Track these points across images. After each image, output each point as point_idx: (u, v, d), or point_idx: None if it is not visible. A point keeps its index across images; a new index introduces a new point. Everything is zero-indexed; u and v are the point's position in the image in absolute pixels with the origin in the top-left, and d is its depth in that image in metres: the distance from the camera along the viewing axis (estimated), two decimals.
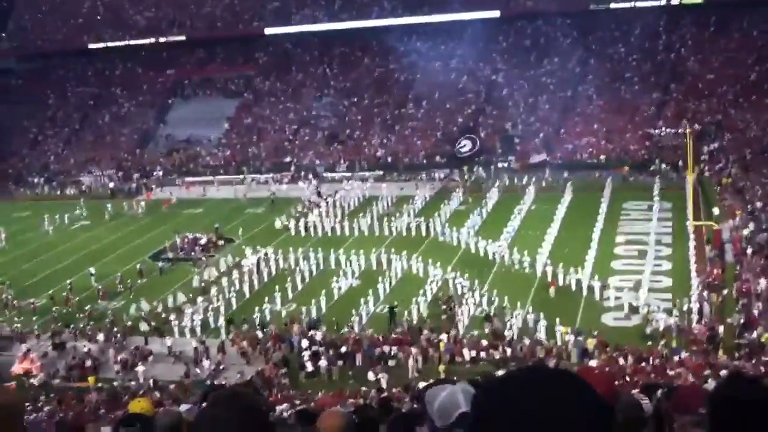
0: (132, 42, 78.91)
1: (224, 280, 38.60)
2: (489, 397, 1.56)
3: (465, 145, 59.56)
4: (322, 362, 30.41)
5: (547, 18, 70.96)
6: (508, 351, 29.53)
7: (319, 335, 32.08)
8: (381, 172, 59.68)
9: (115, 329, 34.39)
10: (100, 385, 29.91)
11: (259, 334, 32.78)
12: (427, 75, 70.35)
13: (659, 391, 6.01)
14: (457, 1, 71.72)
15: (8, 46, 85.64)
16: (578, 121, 62.03)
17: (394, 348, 30.86)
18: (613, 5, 67.26)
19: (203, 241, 45.48)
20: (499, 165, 57.72)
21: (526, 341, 29.90)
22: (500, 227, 42.76)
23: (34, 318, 37.04)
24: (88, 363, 31.94)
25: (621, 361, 27.55)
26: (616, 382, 21.26)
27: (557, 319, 30.44)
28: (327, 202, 50.98)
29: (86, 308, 36.99)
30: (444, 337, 30.75)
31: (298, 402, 21.74)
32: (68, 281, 40.25)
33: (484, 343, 30.35)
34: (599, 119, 61.16)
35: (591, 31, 68.85)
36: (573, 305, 33.25)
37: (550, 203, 46.94)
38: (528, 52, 69.86)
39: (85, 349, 32.76)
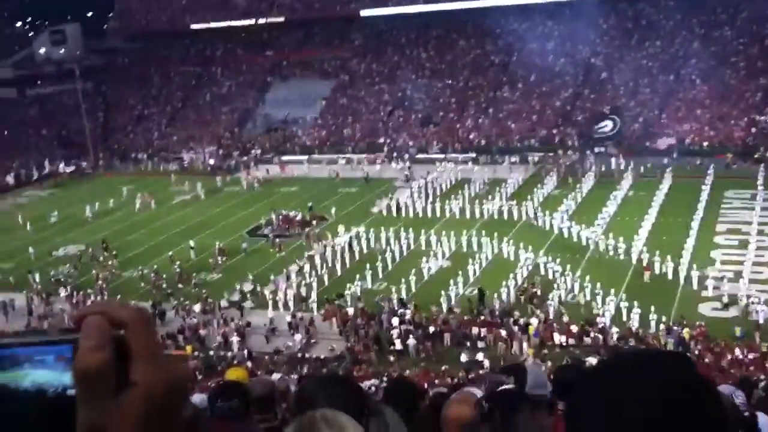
0: (233, 23, 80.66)
1: (317, 257, 39.33)
2: (602, 374, 1.45)
3: (605, 125, 58.06)
4: (411, 341, 30.75)
5: (650, 0, 68.92)
6: (600, 338, 29.17)
7: (408, 314, 32.41)
8: (474, 155, 59.39)
9: (210, 300, 35.54)
10: (197, 353, 31.03)
11: (350, 311, 33.34)
12: (523, 57, 69.44)
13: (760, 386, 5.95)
14: None
15: (115, 26, 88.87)
16: (680, 106, 60.10)
17: (483, 330, 30.91)
18: None
19: (298, 218, 46.45)
20: (596, 149, 56.56)
21: (616, 329, 29.42)
22: (595, 212, 42.06)
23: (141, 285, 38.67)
24: (188, 332, 33.20)
25: (718, 353, 26.83)
26: (713, 374, 20.78)
27: (652, 308, 29.83)
28: (418, 183, 51.14)
29: (193, 279, 38.34)
30: (534, 321, 30.59)
31: (385, 378, 22.11)
32: (170, 253, 41.81)
33: (575, 329, 30.03)
34: (703, 104, 59.12)
35: (696, 14, 66.43)
36: (669, 294, 32.50)
37: (648, 189, 45.83)
38: (629, 35, 68.04)
39: (187, 319, 34.04)
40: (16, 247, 46.13)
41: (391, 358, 30.20)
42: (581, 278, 33.77)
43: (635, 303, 30.49)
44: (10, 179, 64.27)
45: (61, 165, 66.78)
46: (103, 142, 73.40)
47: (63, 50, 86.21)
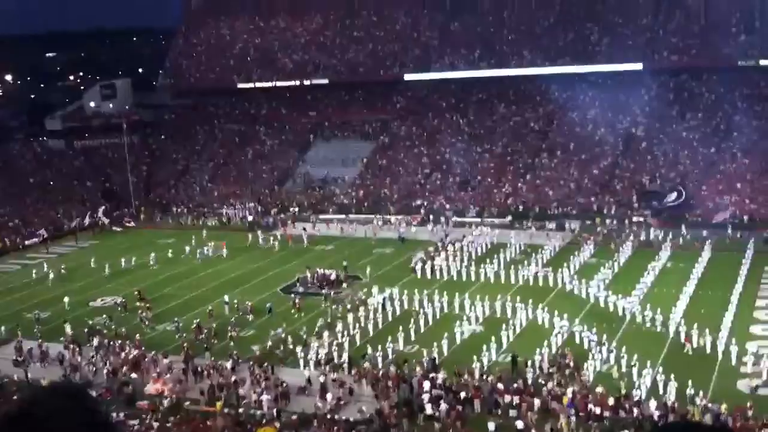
0: (278, 83, 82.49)
1: (350, 317, 39.27)
2: None
3: (671, 196, 57.68)
4: (442, 406, 30.34)
5: (692, 73, 69.16)
6: (635, 411, 28.51)
7: (440, 378, 32.07)
8: (510, 219, 59.32)
9: (237, 357, 35.47)
10: (226, 410, 30.94)
11: (381, 373, 33.07)
12: (563, 124, 69.87)
13: None
14: (599, 53, 71.15)
15: (164, 83, 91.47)
16: (721, 179, 59.65)
17: (516, 398, 30.42)
18: (763, 62, 64.68)
19: (332, 277, 46.60)
20: (634, 219, 56.17)
21: (654, 402, 28.76)
22: (632, 283, 41.55)
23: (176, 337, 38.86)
24: (217, 388, 33.15)
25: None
26: None
27: (689, 382, 29.17)
28: (455, 247, 51.12)
29: (229, 333, 38.45)
30: (569, 391, 30.05)
31: None
32: (209, 307, 42.06)
33: (611, 401, 29.40)
34: (743, 178, 58.62)
35: (738, 87, 66.44)
36: (707, 368, 31.78)
37: (686, 261, 45.24)
38: (670, 106, 68.14)
39: (214, 375, 34.03)
40: (55, 296, 46.83)
41: (421, 423, 29.78)
42: (617, 349, 33.21)
43: (672, 376, 29.85)
44: (51, 229, 65.50)
45: (104, 216, 68.00)
46: (146, 195, 74.76)
47: (112, 104, 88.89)
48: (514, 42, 76.16)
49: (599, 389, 30.29)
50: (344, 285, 46.07)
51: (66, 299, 44.97)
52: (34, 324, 41.21)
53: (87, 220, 66.75)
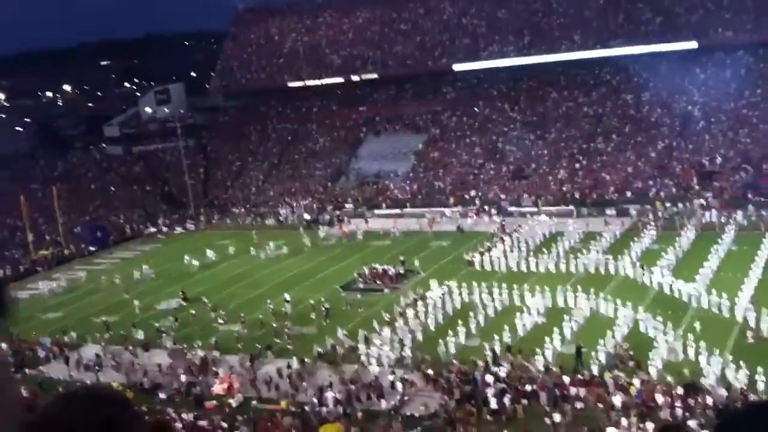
0: (328, 80, 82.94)
1: (410, 313, 39.35)
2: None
3: (739, 175, 56.44)
4: (506, 399, 30.23)
5: (748, 48, 67.33)
6: (708, 399, 27.97)
7: (503, 372, 31.95)
8: (568, 207, 58.61)
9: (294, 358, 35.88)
10: (293, 408, 31.33)
11: (444, 367, 33.11)
12: (617, 108, 68.73)
13: None
14: (652, 33, 69.76)
15: (216, 85, 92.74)
16: None
17: (582, 390, 30.14)
18: None
19: (390, 272, 46.73)
20: (695, 201, 54.99)
21: (723, 391, 28.19)
22: (696, 267, 40.72)
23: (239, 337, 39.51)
24: (282, 386, 33.61)
25: None
26: None
27: (759, 368, 28.53)
28: (512, 237, 50.80)
29: (286, 331, 38.94)
30: (636, 381, 29.64)
31: None
32: (269, 304, 42.60)
33: (680, 390, 28.90)
34: None
35: None
36: None
37: (751, 244, 44.16)
38: (727, 84, 66.42)
39: (280, 373, 34.48)
40: (122, 300, 47.99)
41: (488, 417, 29.73)
42: (683, 337, 32.64)
43: (741, 363, 29.22)
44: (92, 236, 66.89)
45: (164, 219, 69.38)
46: (204, 197, 75.94)
47: (167, 109, 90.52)
48: (563, 26, 75.12)
49: (668, 378, 29.86)
50: (404, 280, 46.16)
51: (136, 303, 46.04)
52: (104, 328, 42.29)
53: (150, 223, 68.15)
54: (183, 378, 35.29)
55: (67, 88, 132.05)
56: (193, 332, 40.82)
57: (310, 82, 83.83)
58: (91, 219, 68.99)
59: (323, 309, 41.68)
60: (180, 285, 49.58)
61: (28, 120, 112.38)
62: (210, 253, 55.82)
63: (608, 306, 37.08)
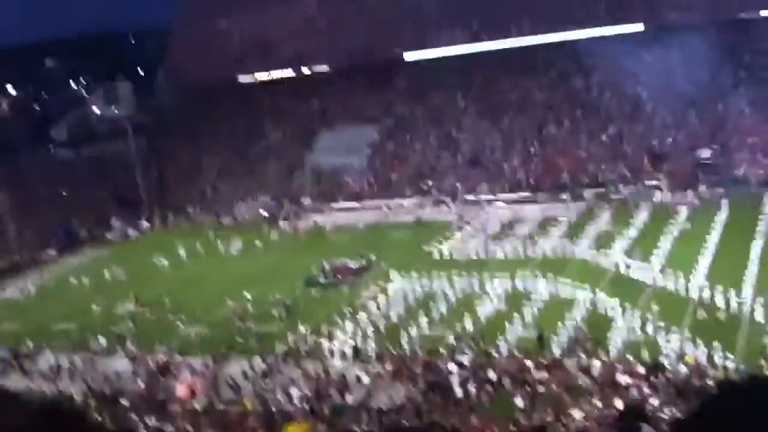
0: (278, 74, 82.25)
1: (371, 305, 39.33)
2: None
3: (704, 153, 57.32)
4: (471, 387, 30.40)
5: (693, 29, 68.35)
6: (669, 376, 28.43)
7: (466, 360, 32.12)
8: (523, 194, 59.10)
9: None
10: (258, 408, 31.10)
11: (407, 358, 33.17)
12: (568, 93, 69.37)
13: None
14: (598, 17, 70.45)
15: (165, 83, 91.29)
16: (732, 135, 59.19)
17: (544, 373, 30.44)
18: (764, 13, 63.87)
19: (350, 266, 46.63)
20: (647, 183, 55.87)
21: (683, 367, 28.72)
22: (651, 248, 41.39)
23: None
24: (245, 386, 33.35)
25: None
26: None
27: (716, 344, 29.10)
28: (470, 225, 51.07)
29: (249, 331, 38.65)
30: (596, 363, 30.03)
31: (448, 427, 21.88)
32: (230, 303, 42.18)
33: (641, 369, 29.34)
34: (755, 132, 58.15)
35: (741, 41, 65.68)
36: (732, 329, 31.67)
37: (703, 222, 45.00)
38: (675, 66, 67.39)
39: (244, 373, 34.21)
40: (78, 307, 47.10)
41: (452, 407, 29.86)
42: (642, 316, 33.17)
43: (699, 341, 29.79)
44: (64, 240, 65.86)
45: (118, 222, 68.26)
46: (158, 197, 74.82)
47: (116, 108, 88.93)
48: (512, 12, 75.38)
49: (628, 357, 30.31)
50: (364, 273, 46.12)
51: (94, 307, 45.28)
52: (62, 336, 41.50)
53: (104, 227, 67.06)
54: (144, 383, 34.82)
55: (11, 90, 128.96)
56: (153, 335, 40.25)
57: (261, 77, 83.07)
58: (62, 223, 67.91)
59: (284, 306, 41.44)
60: (137, 288, 48.84)
61: None
62: (164, 257, 54.99)
63: (567, 289, 37.51)
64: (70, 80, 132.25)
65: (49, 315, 46.77)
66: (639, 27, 68.50)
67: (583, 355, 31.02)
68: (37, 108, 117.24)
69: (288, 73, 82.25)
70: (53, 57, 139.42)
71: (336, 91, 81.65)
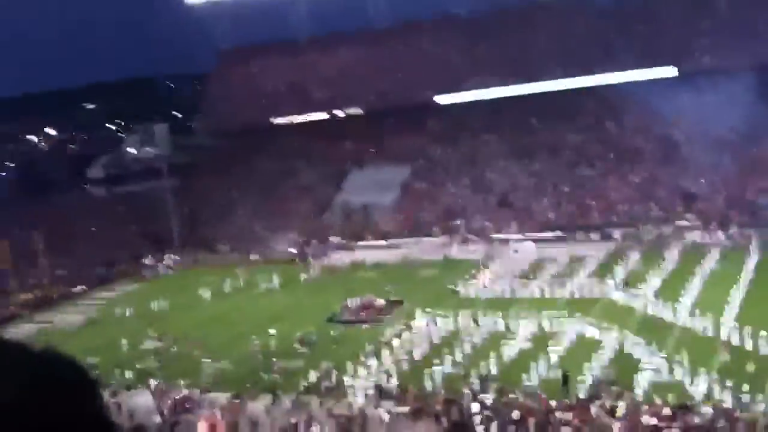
0: (312, 117, 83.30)
1: (396, 343, 39.06)
2: None
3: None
4: (494, 428, 29.89)
5: (726, 73, 67.99)
6: (695, 419, 27.73)
7: (489, 399, 31.65)
8: (552, 233, 58.72)
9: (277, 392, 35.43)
10: None
11: (430, 397, 32.79)
12: (600, 136, 69.18)
13: None
14: (631, 61, 70.44)
15: (201, 124, 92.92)
16: (766, 177, 58.41)
17: (568, 414, 29.83)
18: None
19: (376, 303, 46.49)
20: (679, 224, 55.19)
21: (710, 409, 27.97)
22: (680, 288, 40.71)
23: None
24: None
25: None
26: None
27: (746, 386, 28.36)
28: (497, 265, 50.74)
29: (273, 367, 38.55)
30: (621, 404, 29.39)
31: None
32: (256, 341, 42.15)
33: (668, 411, 28.66)
34: None
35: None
36: (762, 371, 30.84)
37: (734, 263, 44.21)
38: (707, 109, 66.86)
39: (267, 409, 34.02)
40: (106, 341, 47.44)
41: None
42: (669, 357, 32.49)
43: (727, 383, 29.06)
44: (100, 275, 66.74)
45: (150, 259, 69.04)
46: (190, 236, 75.58)
47: (151, 149, 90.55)
48: (543, 57, 75.78)
49: (654, 399, 29.63)
50: (389, 310, 45.93)
51: (123, 341, 45.55)
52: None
53: (135, 264, 67.83)
54: (166, 418, 34.76)
55: (50, 131, 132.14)
56: (177, 371, 40.29)
57: (295, 119, 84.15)
58: (96, 258, 69.14)
59: (309, 343, 41.37)
60: (165, 323, 49.09)
61: (10, 164, 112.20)
62: (202, 291, 55.42)
63: (594, 329, 36.95)
64: (108, 122, 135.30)
65: (77, 349, 47.06)
66: (672, 71, 68.25)
67: (608, 397, 30.40)
68: (75, 148, 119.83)
69: (321, 115, 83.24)
70: (92, 100, 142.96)
71: (368, 133, 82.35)
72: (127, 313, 53.25)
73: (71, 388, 1.56)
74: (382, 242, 63.92)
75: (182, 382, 38.05)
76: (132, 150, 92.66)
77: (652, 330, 36.31)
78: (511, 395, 31.92)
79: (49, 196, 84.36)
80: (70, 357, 1.61)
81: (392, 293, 48.05)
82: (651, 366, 32.02)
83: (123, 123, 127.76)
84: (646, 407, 29.11)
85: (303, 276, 57.53)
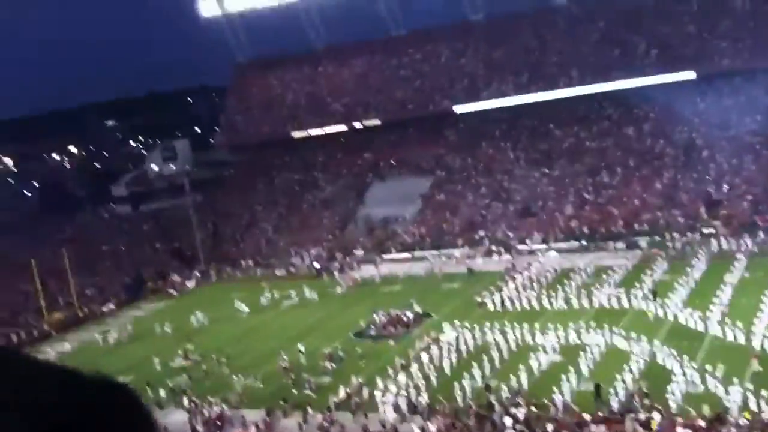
0: (331, 129, 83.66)
1: (424, 357, 39.15)
2: None
3: None
4: None
5: (745, 75, 67.73)
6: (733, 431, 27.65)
7: (521, 413, 31.67)
8: (577, 243, 58.58)
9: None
10: None
11: (461, 411, 32.84)
12: (620, 141, 69.04)
13: None
14: (649, 65, 70.29)
15: (221, 140, 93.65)
16: None
17: (602, 427, 29.82)
18: None
19: (402, 317, 46.61)
20: (704, 230, 54.90)
21: (746, 420, 27.88)
22: (709, 296, 40.53)
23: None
24: None
25: None
26: None
27: None
28: (522, 276, 50.71)
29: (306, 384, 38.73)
30: (656, 416, 29.34)
31: None
32: (284, 357, 42.31)
33: (702, 423, 28.59)
34: None
35: None
36: None
37: (763, 270, 43.96)
38: (728, 112, 66.70)
39: (300, 426, 34.24)
40: (136, 359, 47.90)
41: None
42: (701, 368, 32.37)
43: (761, 392, 28.93)
44: (127, 293, 67.35)
45: (175, 276, 69.57)
46: (214, 251, 76.03)
47: (173, 165, 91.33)
48: (560, 63, 75.84)
49: (688, 410, 29.55)
50: (415, 324, 46.03)
51: (154, 359, 45.89)
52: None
53: (161, 281, 68.38)
54: None
55: (73, 149, 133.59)
56: (208, 388, 40.62)
57: (314, 131, 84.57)
58: (124, 276, 69.94)
59: (337, 358, 41.56)
60: (195, 340, 49.43)
61: (35, 183, 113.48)
62: (238, 305, 55.77)
63: (623, 340, 36.86)
64: (130, 139, 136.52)
65: (108, 367, 47.52)
66: (691, 74, 68.02)
67: (641, 408, 30.34)
68: (98, 166, 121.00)
69: (340, 127, 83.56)
70: (113, 117, 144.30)
71: (387, 144, 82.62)
72: (157, 331, 53.67)
73: (126, 413, 1.53)
74: (406, 255, 64.01)
75: (214, 400, 38.36)
76: (155, 166, 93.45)
77: (683, 340, 36.18)
78: (542, 409, 31.94)
79: (74, 215, 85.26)
80: (122, 382, 1.57)
81: (418, 306, 48.13)
82: (683, 377, 31.89)
83: (145, 139, 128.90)
84: (680, 419, 29.07)
85: (328, 290, 57.72)
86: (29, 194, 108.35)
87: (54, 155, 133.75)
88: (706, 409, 29.23)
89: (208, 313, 55.15)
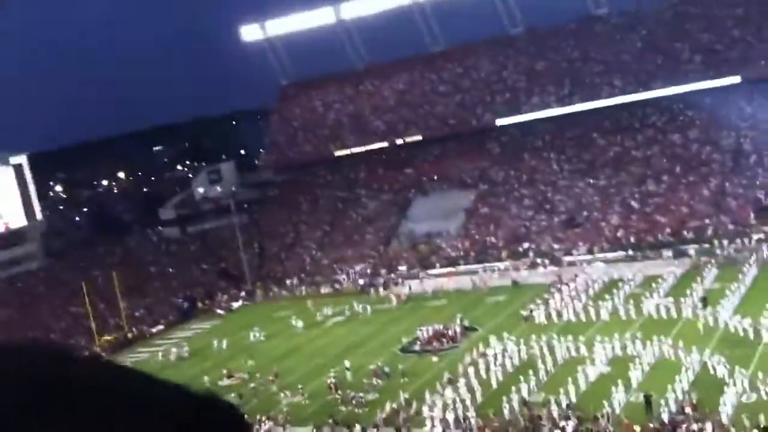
0: (373, 146, 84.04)
1: (471, 371, 38.89)
2: None
3: None
4: None
5: None
6: None
7: (570, 426, 31.23)
8: (624, 253, 57.75)
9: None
10: None
11: (509, 425, 32.51)
12: (665, 149, 68.06)
13: None
14: (693, 71, 69.31)
15: (265, 161, 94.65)
16: None
17: None
18: None
19: (448, 332, 46.40)
20: (754, 237, 53.73)
21: None
22: (761, 304, 39.57)
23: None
24: None
25: None
26: None
27: None
28: (569, 287, 50.14)
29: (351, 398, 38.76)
30: (708, 426, 28.69)
31: None
32: (332, 374, 42.38)
33: None
34: None
35: None
36: None
37: None
38: None
39: None
40: (185, 379, 48.38)
41: None
42: (753, 376, 31.59)
43: None
44: (177, 313, 68.31)
45: (223, 296, 70.35)
46: (260, 270, 76.69)
47: (219, 188, 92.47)
48: (602, 72, 75.18)
49: (743, 421, 28.83)
50: (461, 338, 45.79)
51: (205, 378, 46.35)
52: None
53: (210, 301, 69.29)
54: None
55: (121, 175, 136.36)
56: (255, 406, 40.86)
57: (356, 149, 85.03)
58: (185, 294, 71.06)
59: (384, 374, 41.51)
60: (244, 358, 49.81)
61: (85, 209, 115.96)
62: (294, 321, 56.20)
63: (673, 350, 36.16)
64: (176, 163, 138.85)
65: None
66: (736, 79, 66.88)
67: (692, 420, 29.69)
68: (146, 190, 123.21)
69: (382, 144, 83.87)
70: (160, 142, 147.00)
71: (430, 159, 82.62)
72: (208, 350, 54.25)
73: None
74: (451, 269, 63.78)
75: (262, 418, 38.55)
76: (201, 189, 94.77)
77: (735, 348, 35.36)
78: (592, 421, 31.44)
79: (123, 238, 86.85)
80: (229, 402, 1.56)
81: (464, 320, 47.90)
82: (736, 387, 31.15)
83: (191, 163, 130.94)
84: (733, 430, 28.39)
85: (373, 306, 57.76)
86: (79, 220, 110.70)
87: (103, 181, 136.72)
88: (762, 419, 28.50)
89: (253, 331, 55.54)
